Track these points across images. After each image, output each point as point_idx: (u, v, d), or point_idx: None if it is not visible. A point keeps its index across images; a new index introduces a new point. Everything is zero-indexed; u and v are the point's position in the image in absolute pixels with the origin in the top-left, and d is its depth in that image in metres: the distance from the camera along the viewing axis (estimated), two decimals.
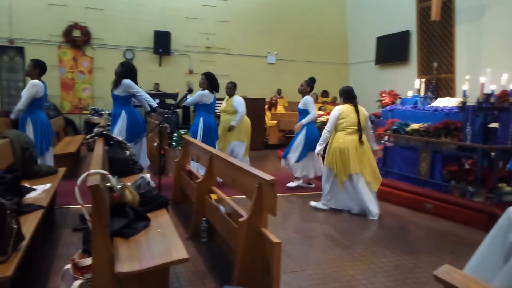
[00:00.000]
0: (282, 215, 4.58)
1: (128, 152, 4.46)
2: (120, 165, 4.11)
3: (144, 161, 5.23)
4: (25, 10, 10.18)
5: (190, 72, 11.71)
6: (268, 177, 2.50)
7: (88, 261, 2.24)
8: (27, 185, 3.47)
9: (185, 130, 5.32)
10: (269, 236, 2.44)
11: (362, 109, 4.90)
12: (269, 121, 10.73)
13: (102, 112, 10.08)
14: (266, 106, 10.97)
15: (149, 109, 5.20)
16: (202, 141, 5.33)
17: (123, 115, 5.01)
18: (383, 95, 8.18)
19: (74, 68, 10.78)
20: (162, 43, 11.19)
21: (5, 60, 10.23)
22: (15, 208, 2.18)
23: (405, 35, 10.52)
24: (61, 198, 4.43)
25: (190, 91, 5.33)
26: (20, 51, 10.31)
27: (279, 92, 12.04)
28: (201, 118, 5.72)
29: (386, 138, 6.19)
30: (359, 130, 4.68)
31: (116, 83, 5.01)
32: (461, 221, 4.56)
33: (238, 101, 6.19)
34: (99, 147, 3.77)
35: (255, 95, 10.67)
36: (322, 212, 4.84)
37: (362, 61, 12.62)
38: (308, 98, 5.91)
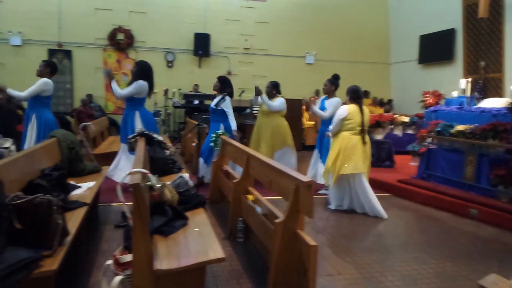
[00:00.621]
0: (318, 217, 4.52)
1: (168, 152, 4.58)
2: (160, 164, 4.22)
3: None
4: (73, 15, 10.68)
5: (229, 73, 11.82)
6: (305, 178, 2.48)
7: (128, 257, 2.31)
8: (72, 182, 3.62)
9: (223, 131, 5.38)
10: (306, 238, 2.41)
11: (366, 109, 4.90)
12: (307, 122, 10.64)
13: None
14: (304, 107, 10.89)
15: None
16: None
17: (137, 116, 5.13)
18: (427, 95, 7.92)
19: (118, 70, 11.18)
20: (201, 45, 11.38)
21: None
22: (61, 204, 2.28)
23: (450, 33, 10.12)
24: (104, 196, 4.60)
25: (228, 92, 5.39)
26: (68, 54, 10.83)
27: (317, 92, 11.91)
28: (221, 125, 5.50)
29: (429, 140, 5.97)
30: (363, 131, 4.71)
31: (131, 84, 5.13)
32: (509, 228, 4.31)
33: (280, 102, 5.82)
34: (141, 146, 3.89)
35: (292, 96, 10.59)
36: (360, 215, 4.73)
37: (404, 61, 12.26)
38: (335, 101, 5.43)
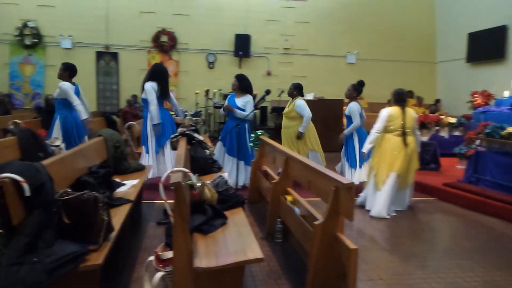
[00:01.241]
0: (359, 220, 4.42)
1: (208, 152, 4.65)
2: (201, 163, 4.29)
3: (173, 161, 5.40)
4: (119, 18, 11.09)
5: (268, 73, 11.85)
6: (345, 180, 2.43)
7: (169, 254, 2.36)
8: (117, 180, 3.76)
9: (262, 131, 5.39)
10: (346, 241, 2.37)
11: (411, 111, 4.93)
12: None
13: (186, 113, 10.60)
14: (345, 107, 10.72)
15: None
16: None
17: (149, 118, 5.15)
18: (475, 95, 7.56)
19: None
20: (242, 46, 11.47)
21: (101, 64, 11.24)
22: (107, 201, 2.37)
23: (501, 30, 9.58)
24: (147, 193, 4.74)
25: (268, 92, 5.39)
26: (114, 56, 11.26)
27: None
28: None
29: (477, 142, 5.69)
30: (403, 134, 4.70)
31: (142, 86, 5.19)
32: None
33: (300, 105, 5.71)
34: (182, 146, 3.97)
35: (333, 96, 10.47)
36: (401, 217, 4.59)
37: (451, 59, 11.75)
38: (353, 106, 5.58)
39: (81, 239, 2.15)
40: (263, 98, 5.53)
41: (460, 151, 6.75)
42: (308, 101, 9.24)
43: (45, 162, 2.53)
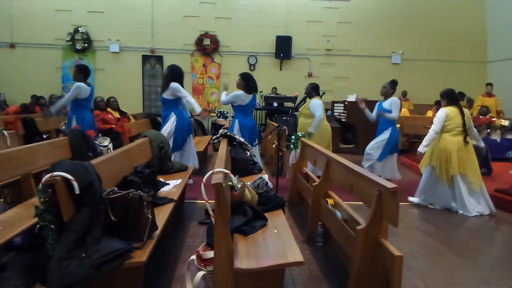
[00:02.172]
0: (404, 226, 4.28)
1: (248, 153, 4.66)
2: (241, 165, 4.32)
3: (194, 161, 5.46)
4: (164, 23, 11.42)
5: (310, 75, 11.75)
6: (389, 184, 2.35)
7: (210, 254, 2.38)
8: (161, 179, 3.86)
9: (303, 133, 5.34)
10: (390, 247, 2.29)
11: (466, 110, 5.00)
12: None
13: (227, 114, 10.73)
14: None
15: (195, 112, 5.47)
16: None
17: (173, 118, 5.26)
18: None
19: (204, 74, 11.71)
20: (283, 48, 11.46)
21: (147, 67, 11.62)
22: (151, 200, 2.43)
23: None
24: (190, 193, 4.83)
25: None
26: (159, 59, 11.61)
27: (404, 94, 11.32)
28: (237, 120, 5.49)
29: None
30: (464, 131, 4.82)
31: (164, 86, 5.25)
32: None
33: (314, 104, 5.87)
34: (223, 147, 4.01)
35: (377, 97, 10.19)
36: (449, 224, 4.39)
37: (504, 59, 11.13)
38: (397, 99, 5.69)
39: (127, 237, 2.22)
40: (304, 100, 5.48)
41: None
42: (350, 103, 9.12)
43: (94, 161, 2.63)
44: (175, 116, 5.32)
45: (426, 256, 3.54)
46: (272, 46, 11.57)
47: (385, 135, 5.68)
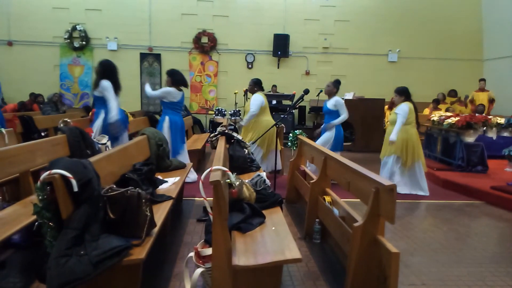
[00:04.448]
0: (400, 223, 4.30)
1: (246, 151, 4.68)
2: (239, 162, 4.33)
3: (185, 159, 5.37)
4: (162, 21, 11.40)
5: (307, 73, 11.77)
6: (386, 182, 2.37)
7: (209, 251, 2.40)
8: (160, 177, 3.86)
9: (301, 131, 5.36)
10: (386, 244, 2.31)
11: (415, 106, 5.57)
12: (388, 122, 10.18)
13: (225, 112, 10.74)
14: (386, 106, 10.44)
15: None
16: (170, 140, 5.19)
17: (102, 115, 5.00)
18: None
19: (202, 72, 11.71)
20: (280, 46, 11.46)
21: (145, 65, 11.60)
22: (150, 197, 2.44)
23: None
24: (188, 191, 4.84)
25: (306, 92, 5.34)
26: (157, 57, 11.59)
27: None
28: (167, 117, 5.39)
29: None
30: (416, 124, 5.48)
31: (95, 84, 5.00)
32: None
33: (253, 99, 5.88)
34: (221, 145, 4.02)
35: (374, 95, 10.26)
36: (446, 221, 4.42)
37: (500, 57, 11.18)
38: (340, 99, 5.83)
39: (125, 234, 2.22)
40: (301, 98, 5.49)
41: (509, 152, 6.41)
42: (347, 101, 9.14)
43: (92, 159, 2.64)
44: (104, 114, 4.99)
45: (422, 253, 3.57)
46: (270, 44, 11.57)
47: (329, 135, 5.72)
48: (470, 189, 5.61)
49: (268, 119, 5.90)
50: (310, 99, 10.76)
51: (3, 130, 4.91)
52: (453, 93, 11.51)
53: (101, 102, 5.03)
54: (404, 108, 5.34)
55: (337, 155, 5.14)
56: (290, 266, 3.06)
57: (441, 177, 6.29)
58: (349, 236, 2.60)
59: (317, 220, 3.60)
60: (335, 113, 5.73)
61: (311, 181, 3.77)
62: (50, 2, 11.14)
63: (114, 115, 4.82)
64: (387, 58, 11.96)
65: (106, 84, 4.86)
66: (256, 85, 6.00)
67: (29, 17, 11.09)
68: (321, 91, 6.12)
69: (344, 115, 5.72)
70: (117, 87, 5.02)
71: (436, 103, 10.46)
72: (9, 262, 2.97)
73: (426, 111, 10.04)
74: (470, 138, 7.07)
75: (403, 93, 5.48)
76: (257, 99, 5.82)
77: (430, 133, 7.85)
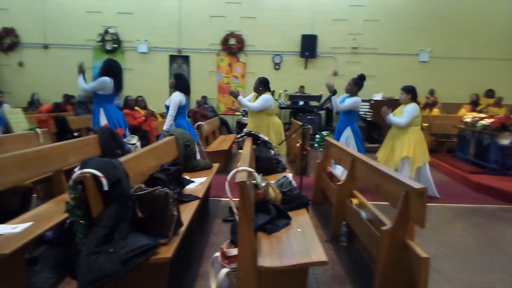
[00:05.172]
0: (431, 227, 4.19)
1: (272, 152, 4.67)
2: (265, 163, 4.33)
3: None
4: (191, 23, 11.56)
5: (335, 74, 11.64)
6: (416, 185, 2.31)
7: (234, 251, 2.41)
8: (187, 177, 3.91)
9: (328, 132, 5.30)
10: (416, 249, 2.25)
11: None
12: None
13: None
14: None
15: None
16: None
17: (101, 113, 5.04)
18: None
19: (229, 73, 11.79)
20: (308, 47, 11.39)
21: (174, 67, 11.79)
22: (177, 197, 2.47)
23: None
24: (214, 191, 4.88)
25: (334, 92, 5.29)
26: (186, 59, 11.76)
27: (431, 92, 11.04)
28: (179, 122, 5.28)
29: None
30: (421, 126, 5.39)
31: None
32: None
33: (264, 98, 5.47)
34: (248, 146, 4.03)
35: None
36: (478, 226, 4.26)
37: None
38: (357, 99, 5.42)
39: (153, 233, 2.26)
40: (329, 99, 5.44)
41: None
42: (376, 101, 8.98)
43: (122, 159, 2.70)
44: (104, 112, 5.08)
45: (453, 258, 3.46)
46: (297, 45, 11.52)
47: (347, 132, 5.42)
48: (505, 193, 5.40)
49: (276, 121, 5.58)
50: None
51: (38, 130, 5.10)
52: (490, 93, 11.06)
53: (98, 100, 5.08)
54: (412, 108, 5.16)
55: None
56: (316, 269, 3.03)
57: (473, 180, 6.08)
58: (377, 240, 2.54)
59: (343, 222, 3.55)
60: (352, 113, 5.48)
61: (338, 183, 3.72)
62: (84, 6, 11.50)
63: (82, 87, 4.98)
64: (418, 58, 11.67)
65: (102, 79, 4.94)
66: (262, 84, 5.65)
67: (63, 21, 11.49)
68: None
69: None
70: (117, 87, 5.08)
71: (474, 105, 10.09)
72: (42, 258, 3.08)
73: (462, 112, 9.71)
74: (505, 140, 6.79)
75: (411, 92, 5.31)
76: (269, 100, 5.50)
77: (463, 135, 7.59)
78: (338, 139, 5.40)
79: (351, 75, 11.44)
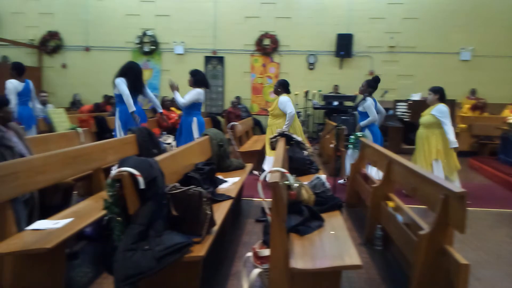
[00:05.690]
0: (472, 232, 4.01)
1: (306, 152, 4.63)
2: (298, 164, 4.30)
3: None
4: (226, 24, 11.68)
5: (371, 73, 11.39)
6: (456, 188, 2.22)
7: (266, 252, 2.40)
8: (220, 177, 3.94)
9: (363, 133, 5.20)
10: (455, 255, 2.16)
11: None
12: (459, 125, 9.54)
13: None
14: (468, 106, 9.79)
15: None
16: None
17: (117, 113, 5.08)
18: None
19: (263, 73, 11.81)
20: (344, 46, 11.23)
21: (209, 68, 11.95)
22: (210, 196, 2.50)
23: None
24: (247, 191, 4.90)
25: (369, 93, 5.18)
26: (220, 60, 11.89)
27: (473, 92, 10.60)
28: (195, 118, 5.17)
29: None
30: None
31: (113, 83, 5.08)
32: None
33: (283, 101, 5.58)
34: (281, 146, 4.01)
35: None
36: None
37: None
38: (369, 102, 5.39)
39: (186, 231, 2.30)
40: (364, 99, 5.33)
41: None
42: (415, 101, 8.74)
43: (158, 158, 2.76)
44: (118, 112, 5.11)
45: (495, 265, 3.30)
46: (332, 45, 11.38)
47: (366, 133, 5.38)
48: None
49: (293, 124, 5.64)
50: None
51: (79, 129, 5.30)
52: None
53: (117, 100, 5.17)
54: (443, 109, 4.97)
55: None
56: (350, 273, 2.97)
57: None
58: (414, 245, 2.46)
59: (378, 226, 3.47)
60: (366, 115, 5.45)
61: (373, 185, 3.64)
62: (123, 10, 11.88)
63: (131, 107, 4.94)
64: (459, 56, 11.23)
65: (117, 80, 5.01)
66: (281, 86, 5.75)
67: (104, 24, 11.90)
68: (386, 92, 5.88)
69: (370, 118, 5.39)
70: (135, 88, 5.07)
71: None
72: (82, 253, 3.20)
73: (506, 113, 9.25)
74: None
75: (438, 92, 5.13)
76: (288, 100, 5.59)
77: (506, 137, 7.23)
78: None
79: (387, 74, 11.29)
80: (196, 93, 5.11)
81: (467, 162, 8.17)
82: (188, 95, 5.09)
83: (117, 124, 5.10)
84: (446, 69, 11.07)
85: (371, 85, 5.54)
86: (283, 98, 5.62)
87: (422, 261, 2.31)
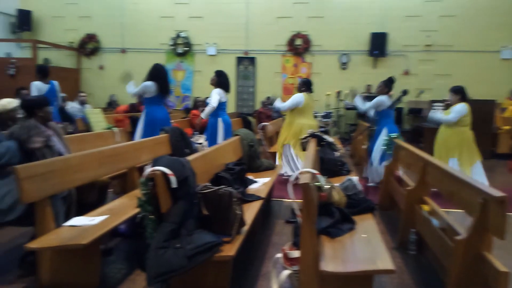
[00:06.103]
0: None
1: (337, 153, 4.57)
2: (330, 165, 4.25)
3: None
4: (257, 25, 11.70)
5: (406, 73, 11.11)
6: (496, 192, 2.13)
7: (296, 253, 2.39)
8: (250, 177, 3.95)
9: (396, 134, 5.08)
10: (494, 262, 2.07)
11: None
12: (502, 126, 9.13)
13: (317, 114, 10.64)
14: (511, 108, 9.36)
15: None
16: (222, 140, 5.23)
17: (143, 114, 5.16)
18: None
19: (295, 74, 11.75)
20: (377, 45, 11.00)
21: (241, 69, 12.02)
22: (240, 196, 2.51)
23: None
24: (277, 191, 4.88)
25: (405, 92, 5.07)
26: (252, 61, 11.93)
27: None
28: (220, 118, 5.52)
29: None
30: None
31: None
32: None
33: (294, 96, 5.81)
34: (312, 147, 3.98)
35: (483, 96, 9.27)
36: None
37: None
38: (381, 98, 5.37)
39: (217, 231, 2.32)
40: (399, 99, 5.21)
41: None
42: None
43: (190, 158, 2.80)
44: (144, 113, 5.24)
45: None
46: (366, 44, 11.17)
47: (385, 134, 5.26)
48: None
49: (302, 122, 5.68)
50: (408, 100, 10.13)
51: (115, 129, 5.46)
52: None
53: (145, 101, 5.29)
54: (460, 108, 5.01)
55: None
56: (382, 277, 2.91)
57: None
58: (451, 250, 2.38)
59: (413, 230, 3.37)
60: (385, 114, 5.40)
61: (408, 188, 3.54)
62: (158, 12, 12.14)
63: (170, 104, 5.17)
64: (499, 55, 10.75)
65: (145, 83, 5.13)
66: (303, 85, 5.91)
67: (139, 26, 12.21)
68: (421, 91, 5.73)
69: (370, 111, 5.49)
70: (163, 90, 5.19)
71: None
72: (116, 249, 3.29)
73: None
74: None
75: (459, 92, 5.17)
76: (296, 97, 5.76)
77: None
78: (375, 141, 5.37)
79: (424, 74, 10.98)
80: (219, 93, 5.46)
81: (506, 164, 7.81)
82: (213, 97, 5.41)
83: (140, 126, 5.18)
84: (485, 68, 10.63)
85: (388, 85, 5.56)
86: (297, 94, 5.82)
87: (459, 267, 2.23)
